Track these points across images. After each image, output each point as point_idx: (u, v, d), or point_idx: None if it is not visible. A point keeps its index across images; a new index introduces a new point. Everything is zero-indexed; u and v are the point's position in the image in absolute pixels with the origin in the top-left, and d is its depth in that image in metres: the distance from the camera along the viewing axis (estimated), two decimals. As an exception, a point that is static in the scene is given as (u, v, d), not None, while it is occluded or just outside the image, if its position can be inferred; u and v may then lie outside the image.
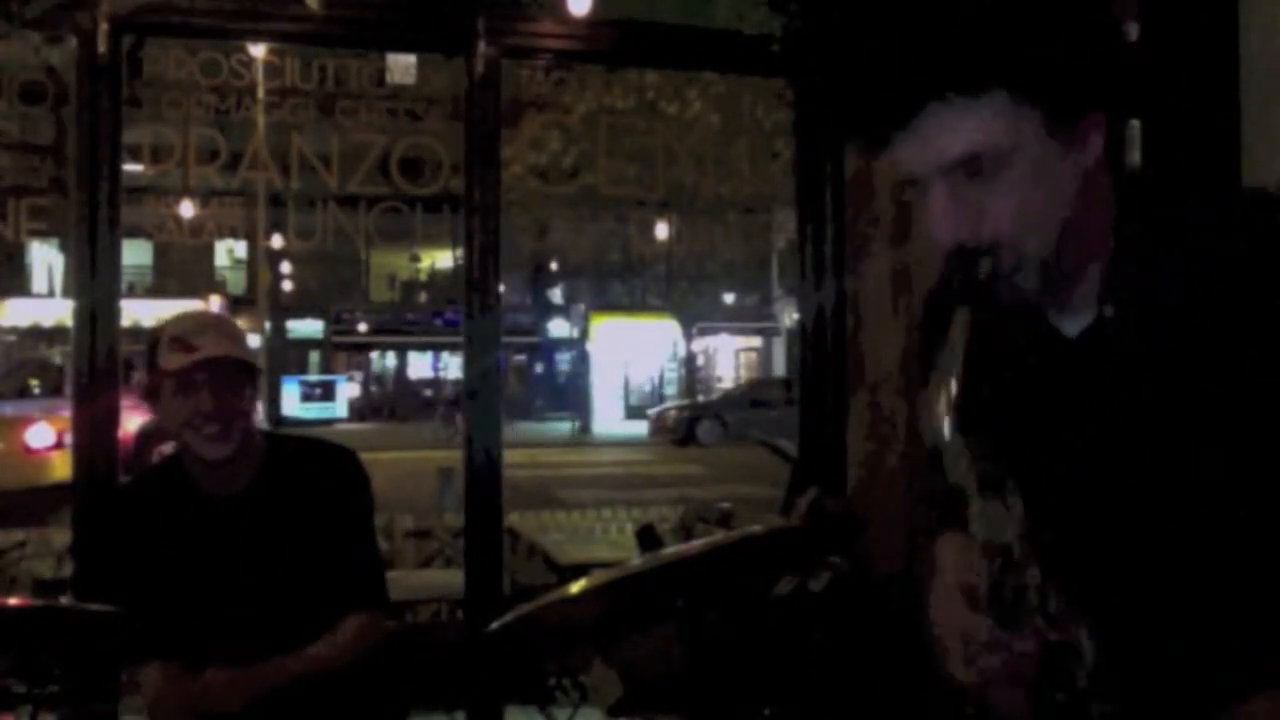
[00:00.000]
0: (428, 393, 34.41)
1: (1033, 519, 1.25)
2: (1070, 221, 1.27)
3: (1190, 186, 1.42)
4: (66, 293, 17.18)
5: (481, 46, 3.80)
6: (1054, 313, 1.36)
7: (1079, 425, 1.33)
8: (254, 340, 21.62)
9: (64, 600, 3.46)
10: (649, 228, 5.65)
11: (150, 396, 2.37)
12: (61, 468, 8.42)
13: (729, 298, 35.31)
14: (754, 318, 35.48)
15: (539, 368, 36.12)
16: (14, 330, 25.95)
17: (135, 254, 24.17)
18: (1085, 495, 1.32)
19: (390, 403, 34.60)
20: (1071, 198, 1.27)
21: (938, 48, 1.21)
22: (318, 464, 2.51)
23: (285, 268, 29.51)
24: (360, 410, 32.92)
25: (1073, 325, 1.35)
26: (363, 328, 34.26)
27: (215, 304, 22.32)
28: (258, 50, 4.81)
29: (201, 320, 2.42)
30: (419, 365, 36.17)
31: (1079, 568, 1.28)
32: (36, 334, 24.37)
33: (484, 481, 3.87)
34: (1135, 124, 2.58)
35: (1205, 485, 1.25)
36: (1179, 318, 1.27)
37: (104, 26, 3.49)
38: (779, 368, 33.85)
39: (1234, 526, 1.25)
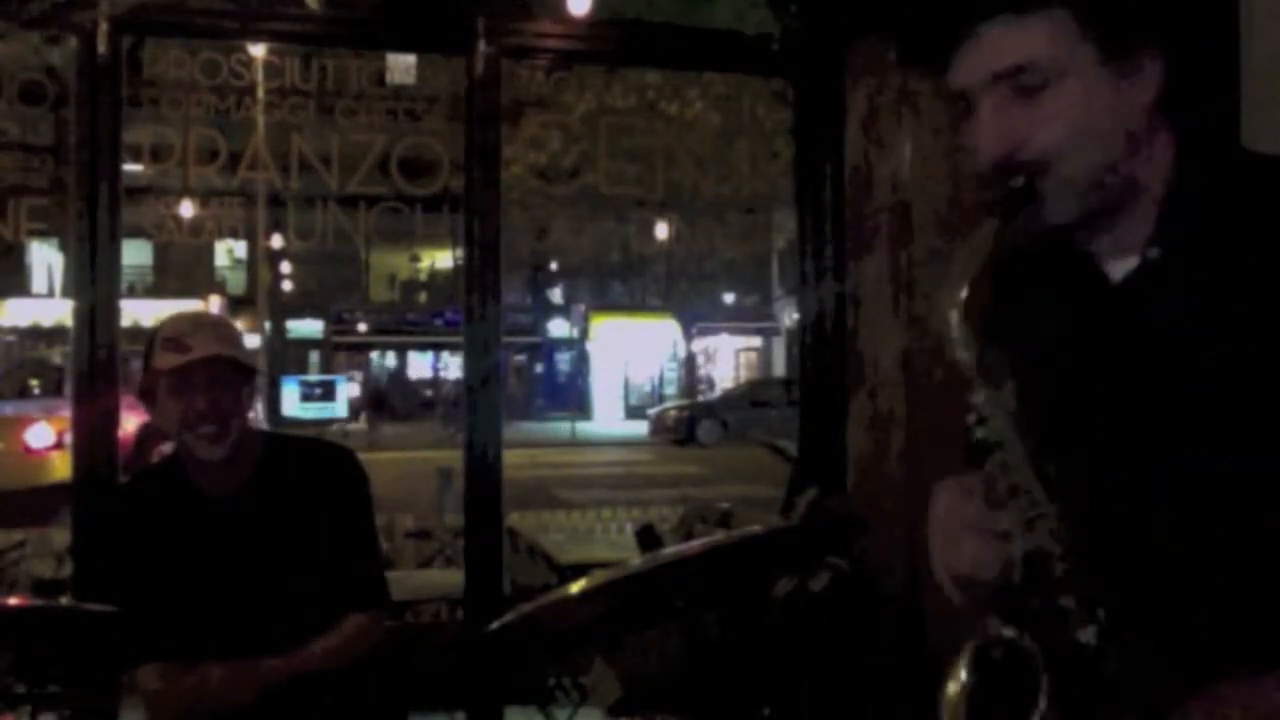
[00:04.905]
0: (428, 393, 34.41)
1: (1060, 471, 1.18)
2: (1118, 155, 1.23)
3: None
4: (66, 293, 17.18)
5: (481, 46, 3.80)
6: (1102, 253, 1.29)
7: (1111, 373, 1.26)
8: (254, 340, 21.62)
9: (64, 600, 3.46)
10: (649, 228, 5.64)
11: (145, 396, 2.37)
12: (61, 468, 8.41)
13: (729, 298, 35.31)
14: (754, 318, 35.47)
15: (539, 368, 36.10)
16: (14, 330, 25.93)
17: (135, 254, 24.12)
18: (1113, 447, 1.25)
19: (390, 403, 34.57)
20: (1121, 130, 1.23)
21: None
22: (316, 464, 2.51)
23: (285, 268, 29.48)
24: (360, 410, 32.90)
25: (1118, 268, 1.28)
26: (363, 328, 34.23)
27: (215, 304, 22.33)
28: (258, 50, 4.80)
29: (196, 320, 2.41)
30: (419, 365, 36.15)
31: (1101, 528, 1.21)
32: (36, 334, 24.35)
33: (484, 481, 3.87)
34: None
35: (1234, 452, 1.19)
36: (1231, 271, 1.21)
37: (104, 26, 3.48)
38: (779, 368, 33.83)
39: (1265, 495, 1.18)
